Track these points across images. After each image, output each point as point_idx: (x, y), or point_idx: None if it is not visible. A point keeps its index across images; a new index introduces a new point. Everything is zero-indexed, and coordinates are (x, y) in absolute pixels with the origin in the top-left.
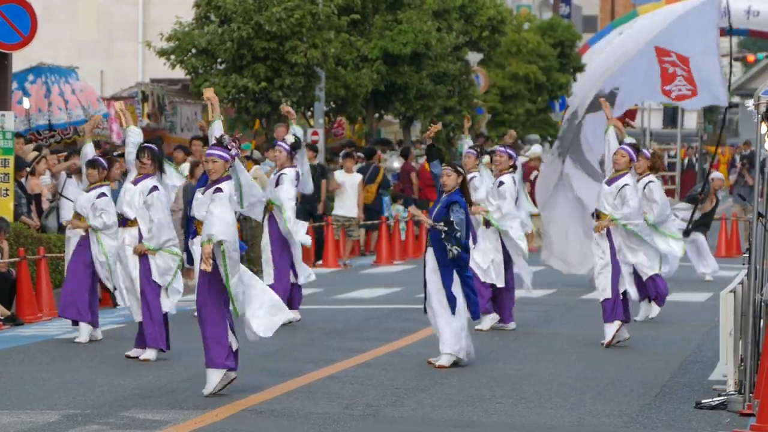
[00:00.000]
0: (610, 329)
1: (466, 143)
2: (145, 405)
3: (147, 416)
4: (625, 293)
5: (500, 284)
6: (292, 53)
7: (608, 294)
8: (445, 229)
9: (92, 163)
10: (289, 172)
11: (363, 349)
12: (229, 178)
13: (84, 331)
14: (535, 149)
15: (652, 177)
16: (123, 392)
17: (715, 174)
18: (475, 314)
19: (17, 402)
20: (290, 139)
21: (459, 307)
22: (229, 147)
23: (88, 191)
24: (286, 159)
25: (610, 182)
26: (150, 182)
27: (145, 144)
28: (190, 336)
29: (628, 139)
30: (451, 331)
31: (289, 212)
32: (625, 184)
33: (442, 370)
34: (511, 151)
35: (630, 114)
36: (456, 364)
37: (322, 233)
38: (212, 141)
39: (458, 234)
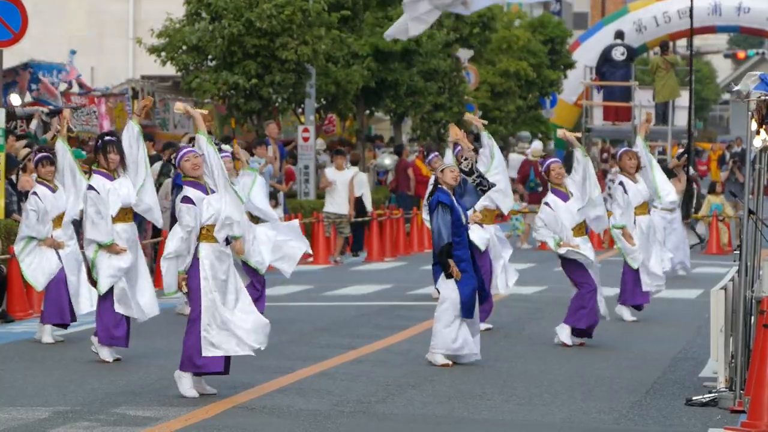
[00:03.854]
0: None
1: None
2: (135, 402)
3: (137, 413)
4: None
5: None
6: (283, 50)
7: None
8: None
9: None
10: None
11: (353, 345)
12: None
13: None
14: (536, 145)
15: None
16: (113, 389)
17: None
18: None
19: (7, 398)
20: (228, 148)
21: (441, 301)
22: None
23: None
24: (231, 169)
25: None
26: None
27: (110, 138)
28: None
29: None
30: (434, 327)
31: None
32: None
33: (433, 367)
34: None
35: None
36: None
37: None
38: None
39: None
